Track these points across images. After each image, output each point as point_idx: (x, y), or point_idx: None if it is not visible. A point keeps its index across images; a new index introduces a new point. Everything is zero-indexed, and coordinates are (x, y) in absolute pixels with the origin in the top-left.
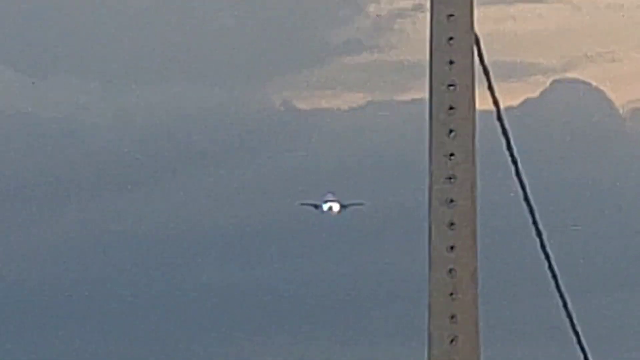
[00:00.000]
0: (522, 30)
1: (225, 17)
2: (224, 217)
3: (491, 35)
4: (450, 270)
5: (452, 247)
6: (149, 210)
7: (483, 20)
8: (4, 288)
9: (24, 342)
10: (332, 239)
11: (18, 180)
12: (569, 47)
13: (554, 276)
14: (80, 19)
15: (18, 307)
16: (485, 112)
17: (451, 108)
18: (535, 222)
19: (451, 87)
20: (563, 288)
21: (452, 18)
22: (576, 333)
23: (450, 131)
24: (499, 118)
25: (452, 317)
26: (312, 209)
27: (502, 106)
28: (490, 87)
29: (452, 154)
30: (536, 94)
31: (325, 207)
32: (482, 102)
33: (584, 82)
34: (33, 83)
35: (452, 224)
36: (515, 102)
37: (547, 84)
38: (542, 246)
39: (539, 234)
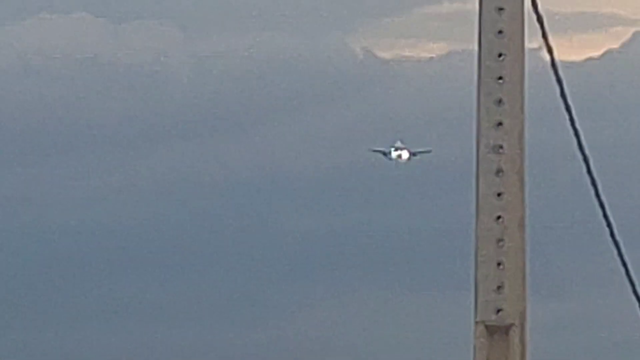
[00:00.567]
0: None
1: None
2: (303, 165)
3: None
4: (498, 217)
5: (499, 194)
6: (228, 158)
7: None
8: (92, 233)
9: (114, 282)
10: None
11: (99, 125)
12: None
13: (609, 225)
14: None
15: (105, 251)
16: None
17: (500, 55)
18: (589, 171)
19: (500, 34)
20: (618, 237)
21: None
22: (631, 282)
23: (499, 78)
24: (553, 66)
25: (499, 264)
26: (382, 155)
27: (576, 56)
28: (544, 36)
29: (500, 100)
30: (617, 44)
31: (394, 154)
32: (561, 52)
33: None
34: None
35: (499, 171)
36: (596, 53)
37: (629, 35)
38: (597, 195)
39: (593, 182)
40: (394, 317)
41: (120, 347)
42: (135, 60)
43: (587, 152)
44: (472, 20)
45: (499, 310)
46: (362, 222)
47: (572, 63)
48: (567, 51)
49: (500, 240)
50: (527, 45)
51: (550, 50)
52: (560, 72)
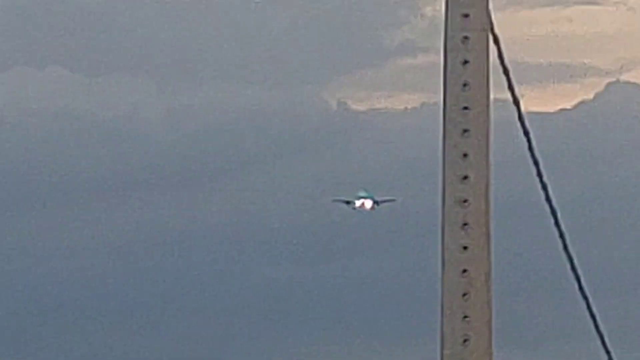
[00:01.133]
0: (578, 32)
1: (281, 18)
2: (273, 216)
3: (547, 36)
4: (464, 271)
5: (465, 248)
6: (201, 209)
7: (539, 22)
8: (65, 284)
9: (91, 336)
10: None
11: (74, 178)
12: (625, 49)
13: (577, 277)
14: (135, 19)
15: (80, 303)
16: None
17: (465, 108)
18: (557, 224)
19: (465, 87)
20: (586, 289)
21: (466, 18)
22: (600, 334)
23: (465, 131)
24: (520, 118)
25: (465, 317)
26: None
27: (548, 108)
28: (510, 87)
29: (465, 154)
30: (591, 96)
31: (358, 203)
32: (534, 103)
33: (638, 85)
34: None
35: (465, 224)
36: (569, 105)
37: (602, 86)
38: (565, 248)
39: (561, 235)
40: None
41: None
42: (109, 114)
43: (554, 204)
44: None
45: None
46: (328, 272)
47: (546, 114)
48: (541, 102)
49: (465, 294)
50: (498, 96)
51: (516, 103)
52: (527, 124)
